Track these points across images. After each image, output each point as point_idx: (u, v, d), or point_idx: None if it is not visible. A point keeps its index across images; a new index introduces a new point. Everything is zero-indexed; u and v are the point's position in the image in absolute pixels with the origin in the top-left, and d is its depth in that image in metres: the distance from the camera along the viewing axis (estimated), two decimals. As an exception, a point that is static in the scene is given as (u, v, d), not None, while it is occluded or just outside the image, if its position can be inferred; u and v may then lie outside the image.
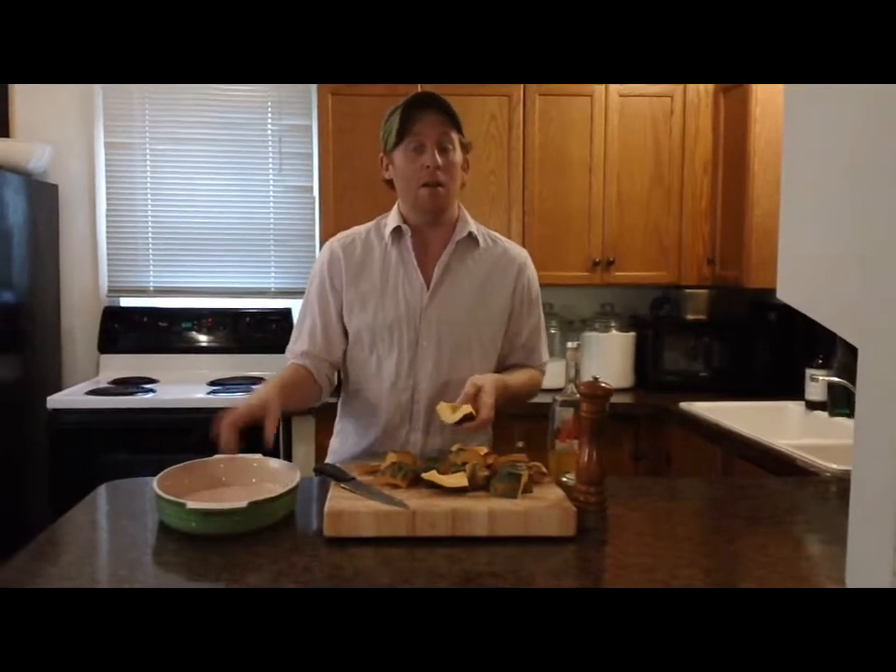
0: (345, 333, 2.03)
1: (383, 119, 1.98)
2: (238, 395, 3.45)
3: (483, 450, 1.75)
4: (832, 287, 1.25)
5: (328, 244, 2.07)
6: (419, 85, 3.32)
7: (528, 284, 2.09)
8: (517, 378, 2.02)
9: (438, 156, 1.89)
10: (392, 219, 2.02)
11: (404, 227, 1.99)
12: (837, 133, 1.20)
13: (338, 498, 1.54)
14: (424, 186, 1.91)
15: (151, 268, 4.10)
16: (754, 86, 3.28)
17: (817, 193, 1.28)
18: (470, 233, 2.02)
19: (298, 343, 2.04)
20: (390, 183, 2.02)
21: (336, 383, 2.14)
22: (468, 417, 1.75)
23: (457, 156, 1.95)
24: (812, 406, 3.13)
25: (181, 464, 1.69)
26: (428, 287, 1.98)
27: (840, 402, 2.93)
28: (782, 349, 3.66)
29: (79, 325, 4.03)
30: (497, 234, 2.12)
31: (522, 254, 2.11)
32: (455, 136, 1.93)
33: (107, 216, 4.06)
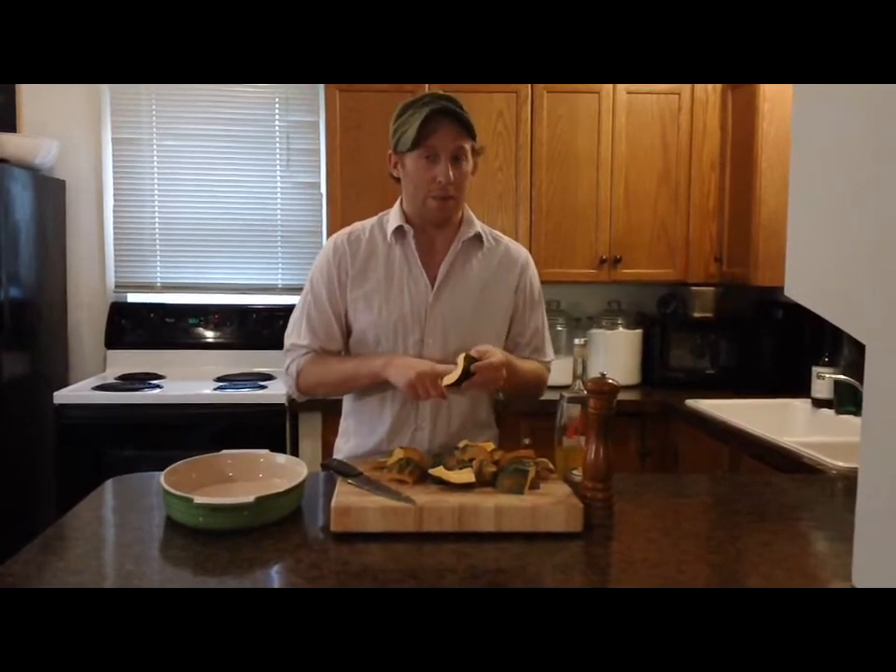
0: (349, 329, 2.03)
1: (394, 115, 1.95)
2: (245, 391, 3.46)
3: (490, 446, 1.75)
4: (840, 285, 1.25)
5: (332, 238, 2.05)
6: (426, 84, 3.33)
7: (530, 282, 2.09)
8: (523, 362, 2.03)
9: (451, 170, 1.88)
10: (394, 218, 2.01)
11: (406, 227, 1.99)
12: (846, 131, 1.19)
13: (345, 494, 1.54)
14: (433, 197, 1.91)
15: (158, 264, 4.10)
16: (762, 84, 3.27)
17: (825, 190, 1.28)
18: (476, 233, 2.02)
19: (314, 341, 2.01)
20: (397, 180, 2.02)
21: None
22: (471, 361, 1.76)
23: (469, 166, 1.94)
24: (818, 404, 3.13)
25: (188, 459, 1.69)
26: (433, 286, 1.98)
27: (846, 400, 2.93)
28: (789, 347, 3.65)
29: (86, 320, 4.04)
30: (498, 233, 2.12)
31: (523, 253, 2.11)
32: (468, 146, 1.92)
33: (114, 211, 4.07)
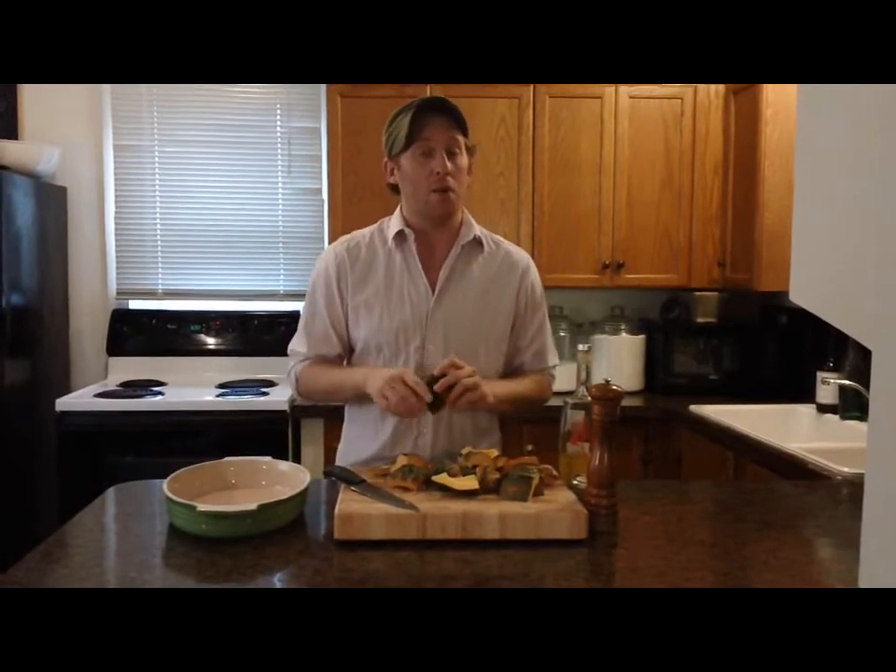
0: (349, 337, 2.03)
1: (385, 124, 1.97)
2: (247, 398, 3.46)
3: (494, 453, 1.74)
4: (845, 290, 1.24)
5: (331, 247, 2.07)
6: (428, 86, 3.34)
7: (532, 286, 2.09)
8: (520, 382, 2.04)
9: (447, 161, 1.89)
10: (395, 223, 2.01)
11: (407, 231, 1.99)
12: (851, 134, 1.19)
13: (348, 501, 1.54)
14: (434, 191, 1.91)
15: (160, 270, 4.11)
16: (765, 87, 3.26)
17: (830, 194, 1.27)
18: (475, 237, 2.02)
19: (311, 347, 2.04)
20: (394, 188, 2.02)
21: None
22: (432, 380, 1.80)
23: (464, 160, 1.95)
24: (823, 409, 3.12)
25: (190, 466, 1.69)
26: (434, 291, 1.98)
27: (851, 405, 2.92)
28: (792, 352, 3.64)
29: (88, 327, 4.04)
30: (499, 238, 2.12)
31: (525, 257, 2.11)
32: (462, 140, 1.93)
33: (116, 218, 4.07)
